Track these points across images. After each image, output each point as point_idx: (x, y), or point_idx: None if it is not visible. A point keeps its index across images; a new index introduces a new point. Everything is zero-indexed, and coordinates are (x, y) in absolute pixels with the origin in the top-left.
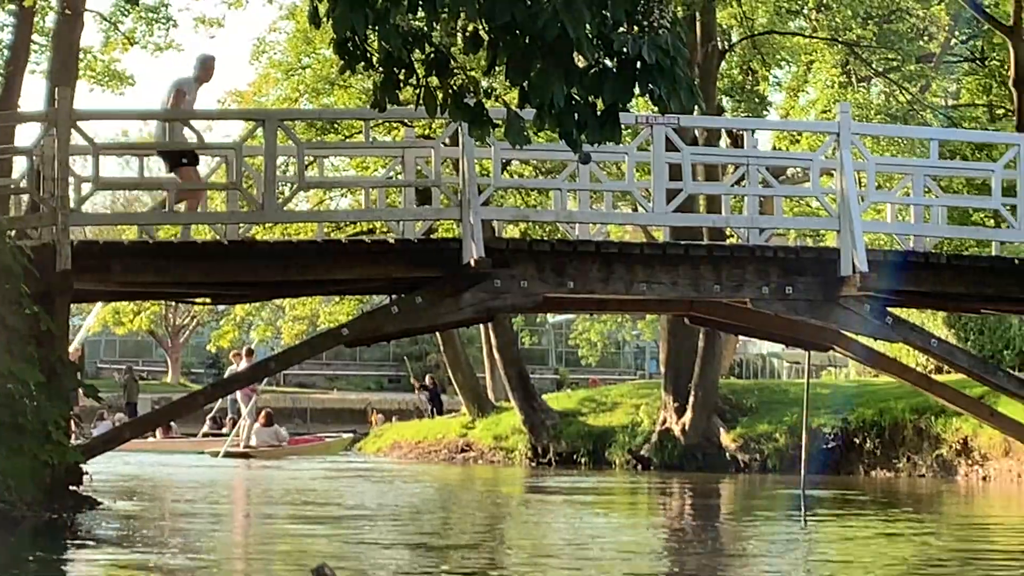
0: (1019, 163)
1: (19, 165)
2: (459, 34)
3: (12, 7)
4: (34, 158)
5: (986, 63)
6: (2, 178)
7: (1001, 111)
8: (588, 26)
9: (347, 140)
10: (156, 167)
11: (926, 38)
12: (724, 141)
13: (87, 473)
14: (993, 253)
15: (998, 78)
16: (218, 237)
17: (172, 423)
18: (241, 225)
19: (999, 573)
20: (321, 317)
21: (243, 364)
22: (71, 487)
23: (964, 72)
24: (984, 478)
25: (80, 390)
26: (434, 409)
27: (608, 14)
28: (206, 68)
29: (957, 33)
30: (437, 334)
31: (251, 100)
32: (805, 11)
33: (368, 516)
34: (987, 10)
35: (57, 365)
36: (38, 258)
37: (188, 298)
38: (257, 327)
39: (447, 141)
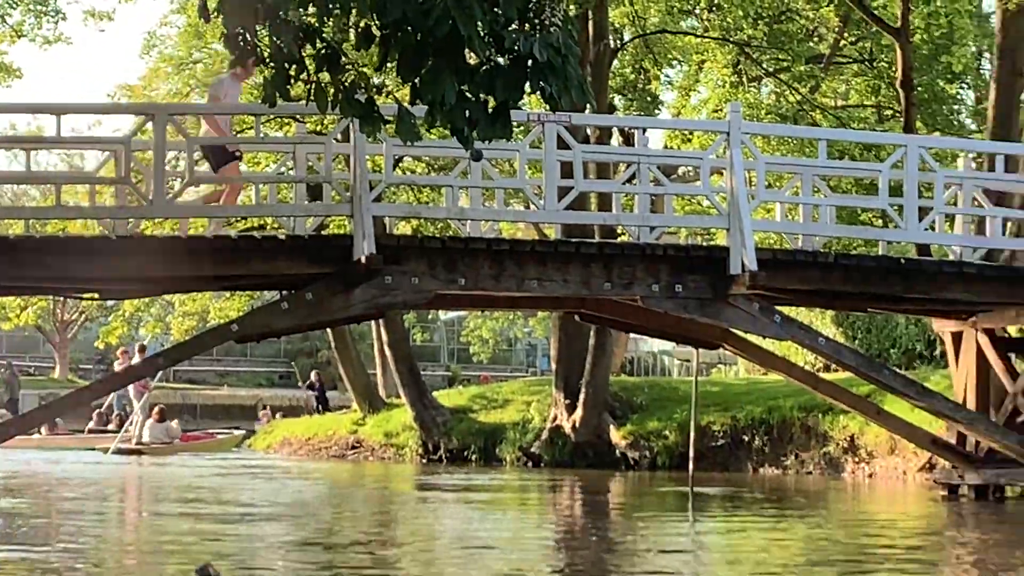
0: (906, 164)
1: None
2: (351, 30)
3: None
4: None
5: (874, 64)
6: None
7: (889, 112)
8: (480, 23)
9: (238, 136)
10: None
11: (816, 39)
12: (616, 139)
13: None
14: (880, 252)
15: (886, 79)
16: (106, 232)
17: (58, 420)
18: (130, 220)
19: (884, 569)
20: (211, 313)
21: (134, 361)
22: None
23: (853, 73)
24: (870, 475)
25: None
26: (320, 406)
27: (500, 11)
28: (245, 69)
29: (846, 34)
30: (328, 330)
31: (141, 94)
32: (697, 11)
33: (258, 514)
34: (875, 12)
35: None
36: None
37: (76, 293)
38: (146, 323)
39: (338, 137)
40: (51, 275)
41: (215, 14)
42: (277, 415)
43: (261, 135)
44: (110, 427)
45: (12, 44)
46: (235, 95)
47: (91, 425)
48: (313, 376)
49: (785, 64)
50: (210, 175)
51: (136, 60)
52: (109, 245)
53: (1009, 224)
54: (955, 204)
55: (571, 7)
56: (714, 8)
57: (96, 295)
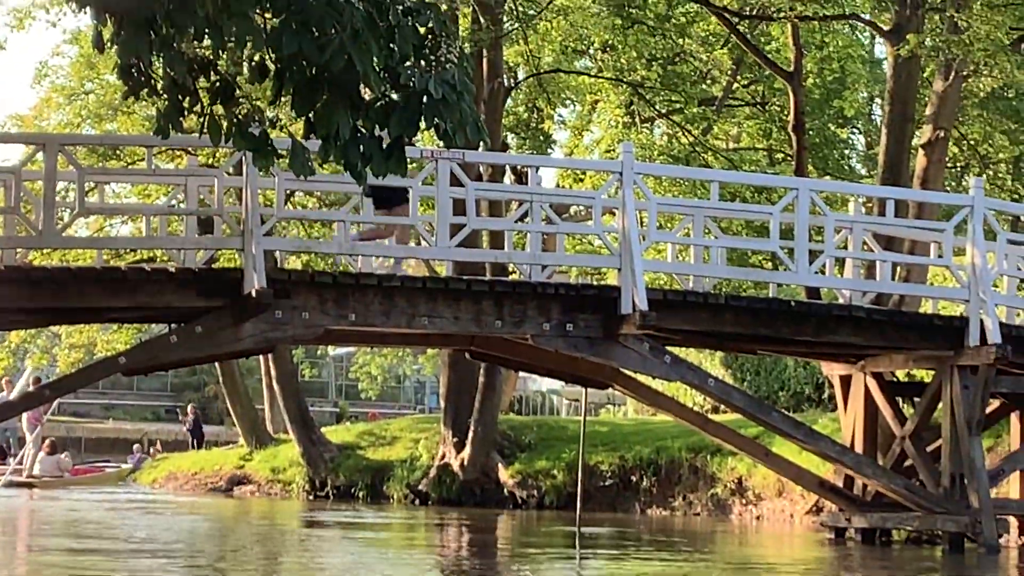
0: (797, 207)
1: None
2: (245, 63)
3: None
4: None
5: (767, 108)
6: None
7: (781, 155)
8: (375, 59)
9: (129, 167)
10: None
11: (709, 81)
12: (508, 177)
13: None
14: (770, 295)
15: (778, 123)
16: None
17: None
18: (18, 250)
19: None
20: (99, 345)
21: (14, 393)
22: None
23: (745, 116)
24: (758, 517)
25: None
26: (195, 440)
27: (395, 47)
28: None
29: (739, 78)
30: (216, 364)
31: (32, 124)
32: (591, 51)
33: (146, 550)
34: (769, 56)
35: None
36: None
37: None
38: (32, 354)
39: (231, 170)
40: None
41: (109, 44)
42: (151, 449)
43: (153, 167)
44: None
45: None
46: None
47: None
48: (189, 410)
49: (678, 106)
50: (100, 205)
51: (28, 90)
52: (5, 274)
53: (898, 268)
54: (845, 248)
55: (466, 45)
56: (608, 49)
57: None
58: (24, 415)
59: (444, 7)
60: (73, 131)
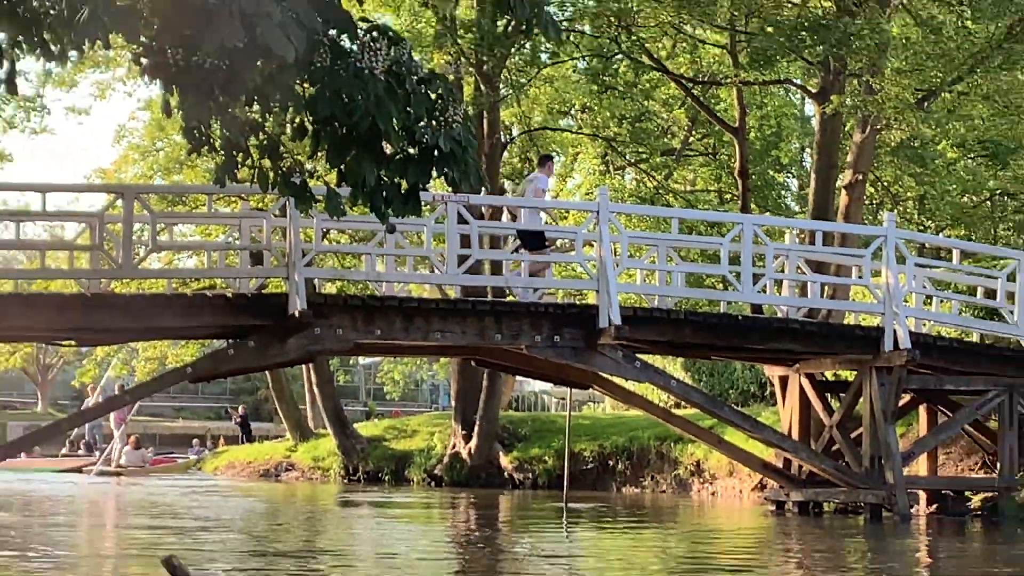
0: (742, 238)
1: None
2: (288, 125)
3: None
4: None
5: (717, 157)
6: None
7: (729, 196)
8: (395, 120)
9: (193, 211)
10: (31, 232)
11: (669, 136)
12: (506, 216)
13: None
14: (722, 311)
15: (726, 169)
16: (82, 290)
17: (36, 447)
18: (102, 280)
19: (726, 570)
20: (169, 358)
21: (101, 397)
22: None
23: (699, 164)
24: (713, 493)
25: None
26: (244, 436)
27: (411, 111)
28: (549, 165)
29: (694, 132)
30: (267, 372)
31: (112, 176)
32: (572, 112)
33: (207, 526)
34: (718, 114)
35: None
36: None
37: (55, 341)
38: (115, 365)
39: (277, 213)
40: (35, 326)
41: (175, 110)
42: (211, 444)
43: (212, 211)
44: (79, 452)
45: (4, 134)
46: (544, 185)
47: (64, 451)
48: (240, 409)
49: (644, 156)
50: (169, 243)
51: (109, 148)
52: (85, 301)
53: (826, 288)
54: (783, 271)
55: (469, 108)
56: (586, 110)
57: (73, 342)
58: (112, 415)
59: (451, 77)
60: (146, 182)
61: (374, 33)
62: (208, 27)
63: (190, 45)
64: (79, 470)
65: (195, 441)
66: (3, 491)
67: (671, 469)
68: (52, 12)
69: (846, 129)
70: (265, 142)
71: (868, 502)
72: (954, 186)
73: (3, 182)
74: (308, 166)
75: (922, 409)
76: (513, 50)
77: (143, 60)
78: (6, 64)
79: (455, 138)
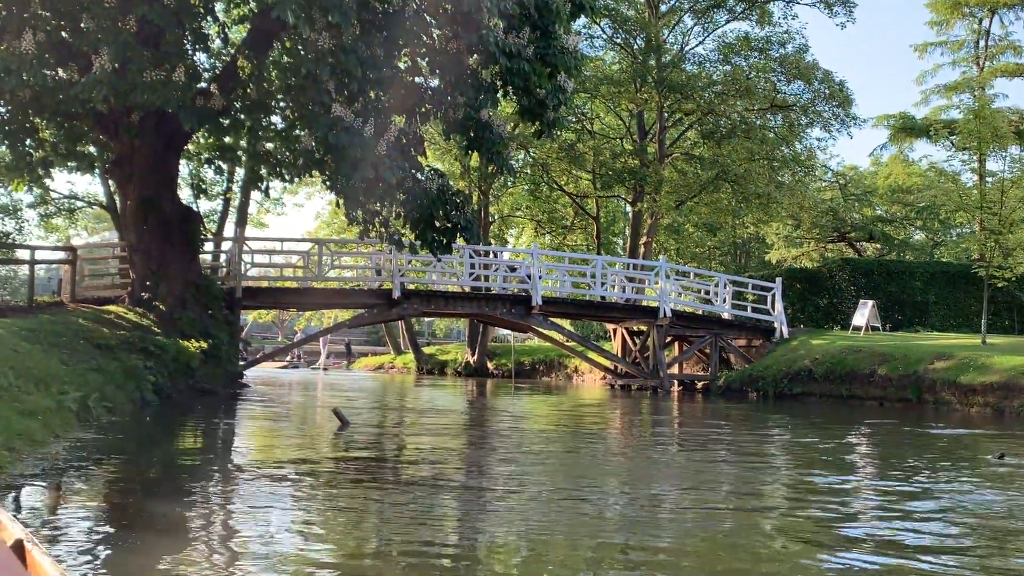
0: (597, 266)
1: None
2: (393, 212)
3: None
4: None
5: (586, 229)
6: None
7: (592, 247)
8: (441, 211)
9: (351, 250)
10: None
11: (566, 219)
12: (492, 254)
13: (245, 374)
14: (587, 299)
15: (591, 235)
16: (299, 285)
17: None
18: (311, 282)
19: (593, 411)
20: (339, 317)
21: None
22: (239, 379)
23: (579, 232)
24: (582, 382)
25: (240, 343)
26: (347, 352)
27: (448, 206)
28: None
29: (576, 218)
30: (384, 324)
31: (313, 233)
32: (522, 208)
33: (348, 393)
34: (587, 209)
35: (235, 333)
36: (227, 292)
37: (287, 309)
38: (314, 320)
39: (387, 251)
40: (279, 302)
41: (338, 207)
42: (337, 355)
43: (358, 249)
44: (294, 362)
45: (264, 214)
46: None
47: (286, 361)
48: (346, 340)
49: (553, 229)
50: (340, 265)
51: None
52: (304, 290)
53: (634, 289)
54: (616, 281)
55: (475, 205)
56: (528, 207)
57: (295, 308)
58: (320, 340)
59: (467, 191)
60: (327, 235)
61: (431, 171)
62: (355, 170)
63: (352, 176)
64: (295, 367)
65: (329, 348)
66: (270, 376)
67: (563, 370)
68: (285, 159)
69: (644, 217)
70: (380, 220)
71: (651, 385)
72: (692, 243)
73: (261, 236)
74: (401, 229)
75: (676, 344)
76: (494, 180)
77: (329, 183)
78: (264, 184)
79: (468, 219)
